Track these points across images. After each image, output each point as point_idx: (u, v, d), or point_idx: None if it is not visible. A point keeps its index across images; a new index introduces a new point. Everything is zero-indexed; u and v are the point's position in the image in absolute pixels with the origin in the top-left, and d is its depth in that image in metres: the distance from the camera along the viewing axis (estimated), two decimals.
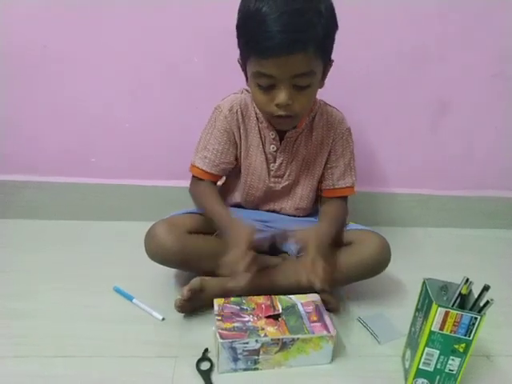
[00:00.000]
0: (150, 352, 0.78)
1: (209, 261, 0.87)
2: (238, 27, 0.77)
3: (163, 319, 0.86)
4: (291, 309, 0.81)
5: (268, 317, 0.78)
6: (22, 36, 1.06)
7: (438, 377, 0.70)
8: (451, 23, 1.12)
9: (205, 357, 0.77)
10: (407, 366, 0.75)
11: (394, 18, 1.10)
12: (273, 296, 0.84)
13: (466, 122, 1.24)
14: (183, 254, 0.86)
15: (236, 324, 0.76)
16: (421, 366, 0.70)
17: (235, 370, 0.75)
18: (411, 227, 1.33)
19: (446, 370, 0.69)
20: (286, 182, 0.95)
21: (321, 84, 0.83)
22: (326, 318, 0.79)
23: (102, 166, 1.21)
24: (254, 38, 0.73)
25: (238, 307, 0.80)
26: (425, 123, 1.23)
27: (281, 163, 0.93)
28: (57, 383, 0.71)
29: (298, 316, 0.79)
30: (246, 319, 0.77)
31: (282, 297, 0.84)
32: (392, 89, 1.18)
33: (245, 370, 0.75)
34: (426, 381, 0.71)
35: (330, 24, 0.76)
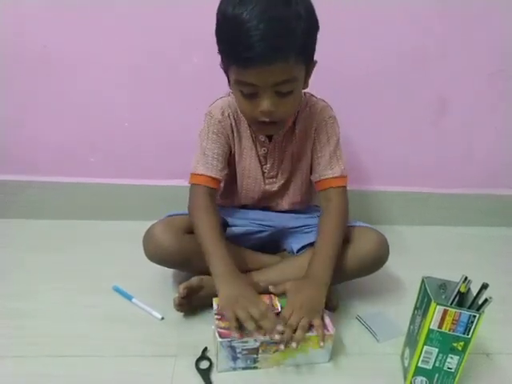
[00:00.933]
0: (149, 351, 0.78)
1: (204, 261, 0.87)
2: (216, 33, 0.74)
3: (162, 318, 0.86)
4: None
5: None
6: (23, 36, 1.06)
7: (436, 375, 0.70)
8: (451, 23, 1.12)
9: (204, 356, 0.77)
10: (406, 364, 0.75)
11: (394, 18, 1.10)
12: (272, 295, 0.84)
13: (465, 121, 1.24)
14: (181, 254, 0.86)
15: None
16: (420, 364, 0.70)
17: (234, 369, 0.75)
18: (410, 225, 1.34)
19: (445, 368, 0.69)
20: (281, 181, 0.95)
21: (305, 85, 0.81)
22: (325, 316, 0.79)
23: (101, 165, 1.21)
24: (233, 47, 0.71)
25: None
26: (425, 122, 1.24)
27: (272, 164, 0.93)
28: (56, 383, 0.71)
29: None
30: None
31: (280, 295, 0.84)
32: (392, 88, 1.18)
33: (244, 368, 0.75)
34: (424, 379, 0.71)
35: (310, 27, 0.73)
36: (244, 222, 0.96)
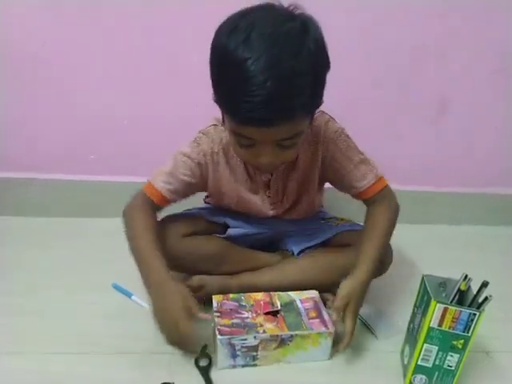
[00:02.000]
0: (148, 348, 0.78)
1: (206, 262, 0.87)
2: (213, 70, 0.65)
3: None
4: (290, 305, 0.81)
5: (267, 313, 0.78)
6: (22, 35, 1.05)
7: (436, 373, 0.70)
8: (451, 22, 1.11)
9: (203, 353, 0.77)
10: (406, 362, 0.75)
11: (394, 18, 1.09)
12: (272, 293, 0.84)
13: (466, 120, 1.24)
14: (177, 259, 0.83)
15: (235, 320, 0.76)
16: (419, 362, 0.70)
17: (234, 367, 0.75)
18: (411, 224, 1.33)
19: (445, 366, 0.69)
20: (286, 206, 0.91)
21: (308, 129, 0.74)
22: (325, 314, 0.79)
23: (101, 163, 1.21)
24: (234, 100, 0.62)
25: (237, 304, 0.80)
26: (426, 121, 1.23)
27: (276, 191, 0.87)
28: (56, 379, 0.71)
29: (296, 312, 0.79)
30: (245, 316, 0.77)
31: (280, 293, 0.84)
32: (392, 88, 1.17)
33: (243, 366, 0.75)
34: (424, 377, 0.71)
35: (318, 76, 0.65)
36: (242, 224, 0.94)
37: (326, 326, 0.76)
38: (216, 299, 0.81)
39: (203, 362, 0.75)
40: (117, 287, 0.93)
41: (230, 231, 0.92)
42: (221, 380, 0.73)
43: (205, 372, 0.73)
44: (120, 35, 1.07)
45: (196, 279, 0.85)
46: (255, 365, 0.76)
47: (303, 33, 0.62)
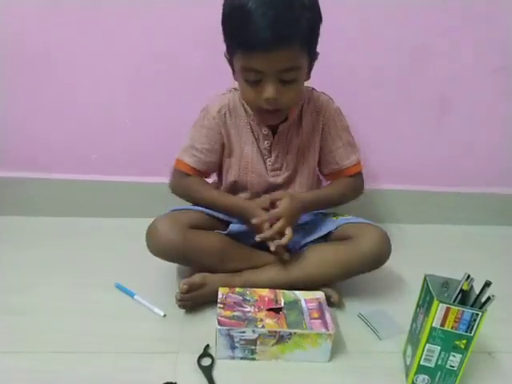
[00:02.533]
0: (151, 348, 0.78)
1: (210, 256, 0.88)
2: (223, 22, 0.77)
3: (164, 315, 0.86)
4: (294, 304, 0.81)
5: (269, 309, 0.79)
6: (23, 34, 1.05)
7: (439, 373, 0.70)
8: (452, 21, 1.11)
9: (206, 353, 0.77)
10: (408, 362, 0.75)
11: (394, 17, 1.09)
12: (277, 290, 0.84)
13: (466, 120, 1.23)
14: (185, 248, 0.86)
15: (236, 313, 0.77)
16: (422, 362, 0.70)
17: (233, 358, 0.76)
18: (413, 224, 1.33)
19: (447, 367, 0.69)
20: (286, 174, 0.95)
21: (307, 76, 0.84)
22: (328, 315, 0.79)
23: (103, 162, 1.21)
24: (240, 34, 0.74)
25: (241, 297, 0.81)
26: (426, 120, 1.23)
27: (276, 156, 0.94)
28: (56, 379, 0.71)
29: (299, 311, 0.79)
30: (247, 309, 0.78)
31: (286, 292, 0.84)
32: (393, 87, 1.17)
33: (242, 358, 0.76)
34: (426, 377, 0.71)
35: (314, 17, 0.76)
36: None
37: (326, 327, 0.76)
38: (222, 291, 0.82)
39: (205, 362, 0.75)
40: (119, 287, 0.93)
41: (232, 227, 0.92)
42: (223, 380, 0.73)
43: (207, 371, 0.73)
44: (121, 35, 1.07)
45: (199, 277, 0.86)
46: (254, 359, 0.77)
47: None
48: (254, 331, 0.74)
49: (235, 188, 0.98)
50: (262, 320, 0.76)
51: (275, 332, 0.74)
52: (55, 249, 1.08)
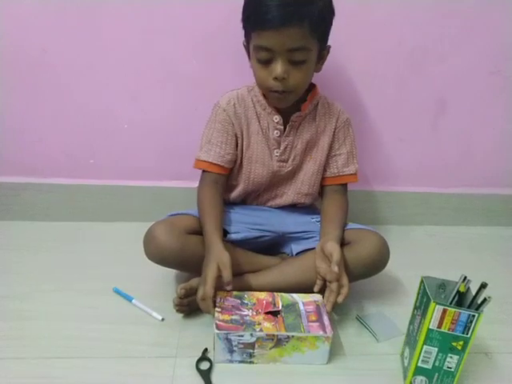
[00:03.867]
0: (149, 352, 0.78)
1: None
2: (242, 10, 0.83)
3: (163, 319, 0.86)
4: (291, 307, 0.81)
5: (267, 313, 0.79)
6: (22, 39, 1.06)
7: (436, 374, 0.71)
8: (450, 23, 1.11)
9: (204, 357, 0.77)
10: (406, 364, 0.75)
11: (393, 19, 1.10)
12: (275, 293, 0.84)
13: (465, 121, 1.24)
14: (182, 254, 0.86)
15: (234, 317, 0.77)
16: (419, 364, 0.71)
17: (231, 361, 0.76)
18: (411, 225, 1.34)
19: (445, 368, 0.70)
20: (291, 167, 0.97)
21: (317, 68, 0.88)
22: (325, 318, 0.79)
23: (101, 167, 1.21)
24: (253, 12, 0.80)
25: (239, 301, 0.81)
26: (425, 122, 1.24)
27: (285, 147, 0.95)
28: None
29: (296, 314, 0.79)
30: (245, 313, 0.78)
31: (284, 294, 0.84)
32: (391, 89, 1.18)
33: (240, 362, 0.77)
34: (424, 378, 0.72)
35: (326, 7, 0.81)
36: (243, 228, 0.95)
37: (324, 330, 0.76)
38: (219, 295, 0.82)
39: (204, 366, 0.75)
40: (118, 291, 0.93)
41: (231, 236, 0.92)
42: (222, 383, 0.73)
43: (206, 375, 0.73)
44: (120, 39, 1.07)
45: (195, 281, 0.85)
46: (252, 362, 0.77)
47: None
48: (252, 335, 0.74)
49: (238, 178, 0.99)
50: (260, 323, 0.76)
51: (273, 335, 0.74)
52: (53, 253, 1.08)
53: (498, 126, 1.26)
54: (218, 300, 0.81)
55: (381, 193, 1.30)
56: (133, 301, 0.91)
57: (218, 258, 0.79)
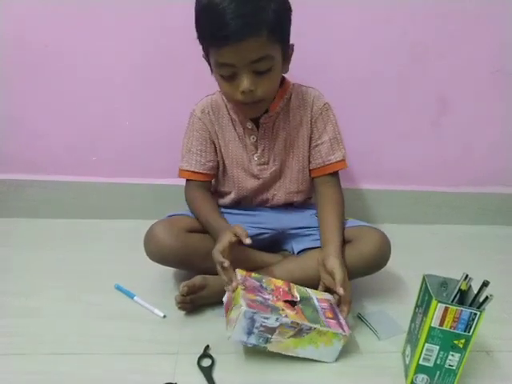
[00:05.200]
0: (151, 349, 0.78)
1: (208, 260, 0.87)
2: (195, 23, 0.79)
3: (164, 317, 0.86)
4: (307, 300, 0.81)
5: (286, 301, 0.78)
6: (24, 35, 1.06)
7: (438, 372, 0.71)
8: (450, 20, 1.12)
9: (206, 354, 0.77)
10: (407, 362, 0.75)
11: (393, 16, 1.10)
12: (291, 284, 0.84)
13: (466, 119, 1.24)
14: (182, 253, 0.86)
15: (258, 298, 0.75)
16: (421, 362, 0.71)
17: (245, 344, 0.74)
18: (412, 224, 1.34)
19: (446, 366, 0.70)
20: (273, 168, 0.96)
21: (284, 68, 0.84)
22: (341, 318, 0.79)
23: (103, 164, 1.21)
24: (208, 29, 0.76)
25: (259, 284, 0.80)
26: (425, 120, 1.24)
27: (263, 150, 0.94)
28: (58, 381, 0.71)
29: (313, 308, 0.79)
30: (267, 297, 0.77)
31: (299, 286, 0.84)
32: (392, 87, 1.18)
33: (254, 346, 0.74)
34: (426, 376, 0.72)
35: (281, 7, 0.76)
36: (243, 227, 0.95)
37: (343, 328, 0.76)
38: (240, 272, 0.81)
39: (206, 363, 0.75)
40: (119, 288, 0.94)
41: None
42: (224, 380, 0.73)
43: (207, 372, 0.73)
44: (121, 37, 1.07)
45: (199, 279, 0.86)
46: (265, 348, 0.75)
47: None
48: (277, 319, 0.72)
49: (225, 184, 0.99)
50: (283, 310, 0.75)
51: (297, 324, 0.73)
52: (55, 250, 1.08)
53: (498, 124, 1.26)
54: (239, 277, 0.79)
55: (382, 191, 1.30)
56: (135, 298, 0.91)
57: (231, 229, 0.80)
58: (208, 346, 0.78)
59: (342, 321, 0.78)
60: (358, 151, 1.22)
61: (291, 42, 0.83)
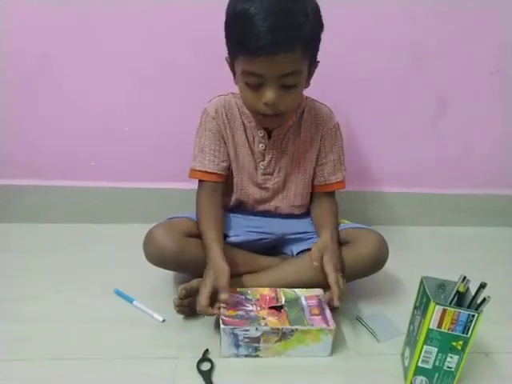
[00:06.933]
0: (150, 353, 0.79)
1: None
2: (226, 27, 0.78)
3: (164, 321, 0.87)
4: (294, 302, 0.83)
5: (271, 308, 0.80)
6: (23, 40, 1.06)
7: (436, 374, 0.71)
8: (451, 22, 1.12)
9: (205, 357, 0.77)
10: (406, 364, 0.76)
11: (393, 17, 1.10)
12: (278, 289, 0.86)
13: (465, 120, 1.24)
14: (181, 256, 0.86)
15: (239, 312, 0.79)
16: (419, 364, 0.71)
17: (237, 356, 0.78)
18: (411, 226, 1.34)
19: (445, 368, 0.70)
20: (277, 179, 0.96)
21: (306, 84, 0.84)
22: (327, 312, 0.80)
23: (102, 169, 1.22)
24: (241, 38, 0.74)
25: (243, 297, 0.83)
26: (424, 122, 1.24)
27: (270, 160, 0.94)
28: None
29: (299, 308, 0.81)
30: (249, 308, 0.80)
31: (286, 290, 0.86)
32: (391, 88, 1.18)
33: (246, 356, 0.78)
34: (424, 378, 0.72)
35: (315, 25, 0.77)
36: (242, 231, 0.96)
37: (327, 323, 0.78)
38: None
39: (205, 367, 0.76)
40: (119, 293, 0.94)
41: (231, 239, 0.93)
42: None
43: (207, 376, 0.74)
44: (119, 42, 1.08)
45: (196, 282, 0.85)
46: (257, 356, 0.78)
47: None
48: (257, 329, 0.76)
49: (228, 187, 0.99)
50: (264, 318, 0.78)
51: (278, 329, 0.76)
52: (54, 255, 1.08)
53: (497, 125, 1.26)
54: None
55: (380, 193, 1.30)
56: (134, 302, 0.91)
57: (217, 272, 0.79)
58: (207, 350, 0.78)
59: (328, 315, 0.79)
60: (356, 153, 1.22)
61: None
